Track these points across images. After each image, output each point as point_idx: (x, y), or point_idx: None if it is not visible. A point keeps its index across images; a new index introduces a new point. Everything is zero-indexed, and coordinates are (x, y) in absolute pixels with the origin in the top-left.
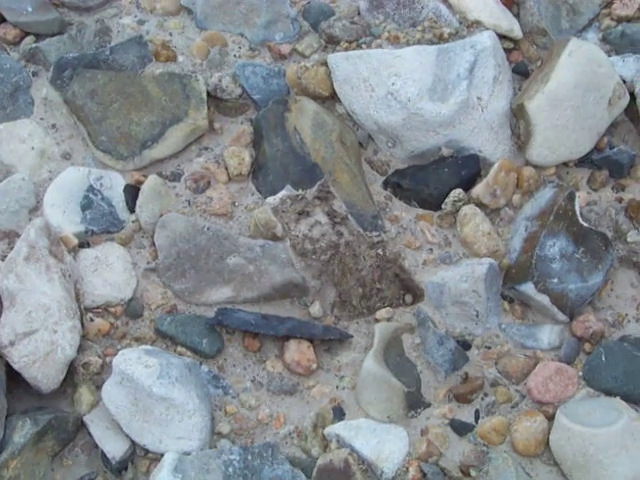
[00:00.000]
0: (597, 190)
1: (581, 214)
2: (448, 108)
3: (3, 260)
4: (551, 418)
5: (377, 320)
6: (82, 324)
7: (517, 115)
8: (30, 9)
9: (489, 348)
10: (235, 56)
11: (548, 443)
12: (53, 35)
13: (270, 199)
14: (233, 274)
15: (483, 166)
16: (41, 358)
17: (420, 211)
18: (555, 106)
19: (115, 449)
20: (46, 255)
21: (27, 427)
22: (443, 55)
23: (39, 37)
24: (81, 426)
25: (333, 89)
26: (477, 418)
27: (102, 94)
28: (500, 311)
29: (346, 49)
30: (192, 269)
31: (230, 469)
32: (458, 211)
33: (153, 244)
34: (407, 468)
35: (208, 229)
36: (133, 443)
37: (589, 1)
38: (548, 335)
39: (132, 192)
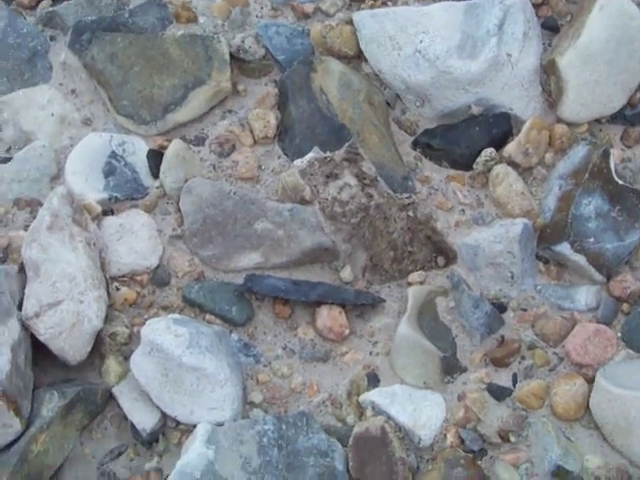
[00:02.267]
0: (631, 147)
1: (616, 171)
2: (478, 65)
3: (26, 230)
4: (590, 381)
5: (410, 284)
6: (108, 294)
7: (548, 72)
8: None
9: (525, 310)
10: (257, 16)
11: (588, 406)
12: None
13: (297, 162)
14: (261, 239)
15: (514, 124)
16: (67, 329)
17: (451, 171)
18: (587, 61)
19: (145, 421)
20: (69, 224)
21: (55, 400)
22: (471, 11)
23: (56, 0)
24: (110, 398)
25: (359, 48)
26: (515, 382)
27: (122, 57)
28: (535, 272)
29: (371, 7)
30: (219, 235)
31: (265, 439)
32: (490, 171)
33: (178, 210)
34: (445, 435)
35: (235, 194)
36: (164, 414)
37: None
38: (585, 296)
39: (156, 157)
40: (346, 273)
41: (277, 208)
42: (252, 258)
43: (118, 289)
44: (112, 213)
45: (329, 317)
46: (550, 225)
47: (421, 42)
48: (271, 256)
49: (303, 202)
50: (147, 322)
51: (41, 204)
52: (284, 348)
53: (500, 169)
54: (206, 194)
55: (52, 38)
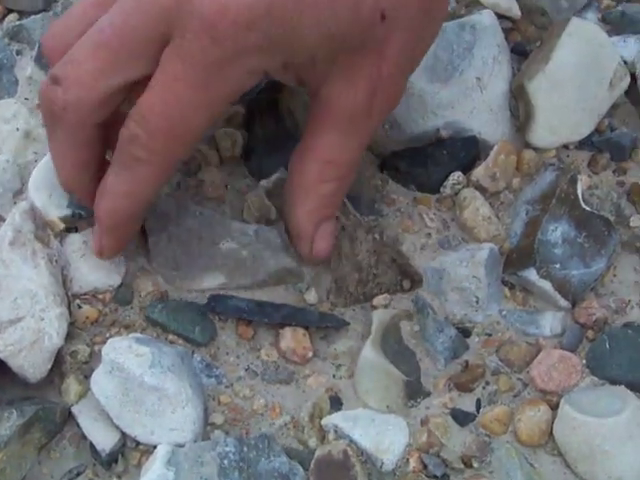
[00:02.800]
0: (598, 173)
1: (583, 198)
2: (447, 89)
3: None
4: (555, 407)
5: (374, 307)
6: (70, 311)
7: (517, 96)
8: None
9: (490, 335)
10: None
11: (552, 433)
12: (37, 12)
13: (263, 182)
14: (226, 259)
15: (482, 148)
16: (27, 346)
17: (418, 194)
18: (555, 86)
19: (105, 441)
20: (32, 240)
21: (13, 419)
22: (441, 35)
23: (23, 14)
24: (69, 417)
25: None
26: (479, 407)
27: None
28: (501, 297)
29: None
30: (183, 254)
31: (225, 461)
32: (457, 194)
33: (142, 228)
34: (407, 459)
35: (200, 213)
36: (123, 434)
37: None
38: (550, 322)
39: None
40: (311, 296)
41: (242, 228)
42: (216, 278)
43: (80, 307)
44: (76, 230)
45: (293, 339)
46: (516, 250)
47: None
48: (235, 276)
49: (268, 222)
50: (108, 341)
51: (3, 219)
52: (247, 369)
53: (467, 193)
54: (171, 212)
55: (18, 52)
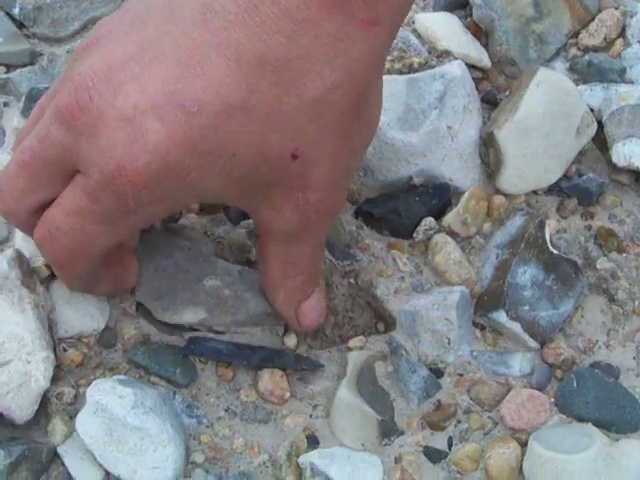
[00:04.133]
0: (566, 218)
1: (551, 242)
2: (419, 137)
3: None
4: (524, 445)
5: (349, 348)
6: (55, 354)
7: (487, 144)
8: (1, 40)
9: (461, 375)
10: None
11: (521, 470)
12: (24, 66)
13: (244, 223)
14: (209, 296)
15: (454, 195)
16: (15, 389)
17: (392, 240)
18: (524, 135)
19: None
20: (18, 286)
21: (0, 458)
22: (413, 84)
23: (10, 68)
24: (55, 457)
25: None
26: (450, 445)
27: None
28: (472, 338)
29: None
30: (168, 286)
31: None
32: (429, 240)
33: None
34: None
35: (189, 249)
36: (107, 473)
37: (556, 31)
38: (520, 362)
39: None
40: (290, 341)
41: (228, 267)
42: (197, 313)
43: (65, 350)
44: None
45: (270, 380)
46: (487, 293)
47: None
48: (216, 313)
49: (249, 263)
50: (93, 383)
51: None
52: (227, 410)
53: (439, 238)
54: (160, 244)
55: (5, 104)
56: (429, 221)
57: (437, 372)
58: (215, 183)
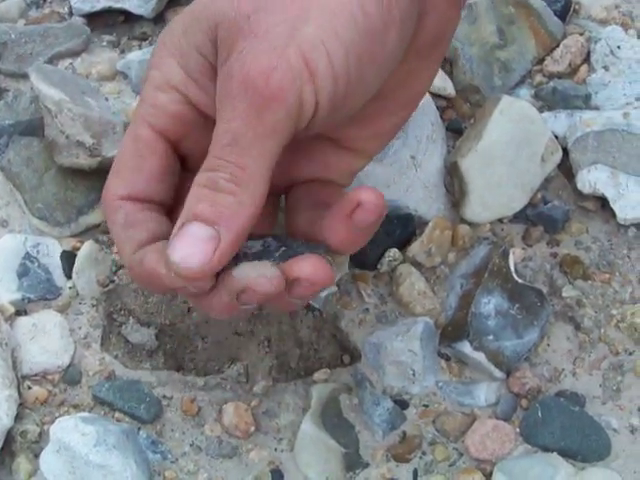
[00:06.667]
0: (532, 246)
1: (516, 270)
2: (382, 168)
3: None
4: (489, 475)
5: (315, 381)
6: (19, 392)
7: (451, 173)
8: None
9: (427, 407)
10: None
11: None
12: None
13: None
14: None
15: (418, 225)
16: None
17: (356, 271)
18: (488, 164)
19: None
20: None
21: None
22: None
23: None
24: None
25: None
26: (416, 477)
27: (37, 161)
28: (437, 369)
29: None
30: None
31: None
32: (394, 270)
33: (93, 307)
34: None
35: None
36: None
37: (521, 58)
38: (485, 392)
39: (69, 259)
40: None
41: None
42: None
43: (30, 387)
44: (25, 313)
45: (235, 415)
46: (451, 323)
47: None
48: None
49: None
50: (56, 421)
51: None
52: (191, 445)
53: (403, 269)
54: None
55: None
56: (393, 252)
57: (402, 404)
58: None
